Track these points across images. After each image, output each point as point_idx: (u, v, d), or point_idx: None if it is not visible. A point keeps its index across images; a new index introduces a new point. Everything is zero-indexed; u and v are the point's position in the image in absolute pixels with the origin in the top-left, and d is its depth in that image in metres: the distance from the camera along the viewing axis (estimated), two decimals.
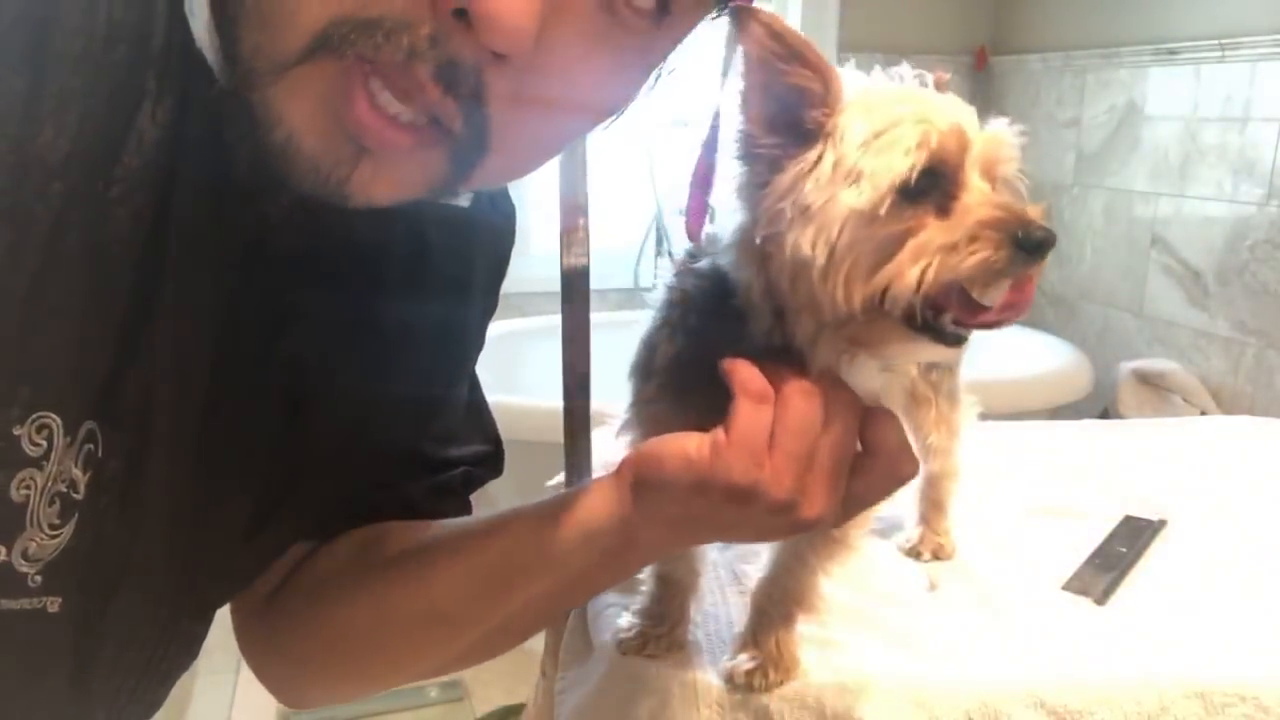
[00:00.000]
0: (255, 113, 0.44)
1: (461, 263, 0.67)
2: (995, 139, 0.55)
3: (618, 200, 2.94)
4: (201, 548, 0.55)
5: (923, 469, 0.92)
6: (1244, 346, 2.33)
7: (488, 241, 0.69)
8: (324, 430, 0.60)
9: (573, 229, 1.01)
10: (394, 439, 0.66)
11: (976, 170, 0.53)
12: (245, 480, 0.57)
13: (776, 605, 0.71)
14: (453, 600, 0.62)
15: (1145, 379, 2.46)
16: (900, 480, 0.59)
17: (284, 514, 0.61)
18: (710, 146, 0.63)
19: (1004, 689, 0.71)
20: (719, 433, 0.54)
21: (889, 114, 0.53)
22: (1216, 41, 2.34)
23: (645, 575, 0.77)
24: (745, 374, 0.55)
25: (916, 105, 0.53)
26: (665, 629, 0.74)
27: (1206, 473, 1.15)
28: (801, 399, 0.54)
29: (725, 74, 0.68)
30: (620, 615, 0.77)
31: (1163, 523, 0.99)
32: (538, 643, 1.10)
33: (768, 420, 0.54)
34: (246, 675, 2.21)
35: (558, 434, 1.01)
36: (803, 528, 0.57)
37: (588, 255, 1.07)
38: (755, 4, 0.56)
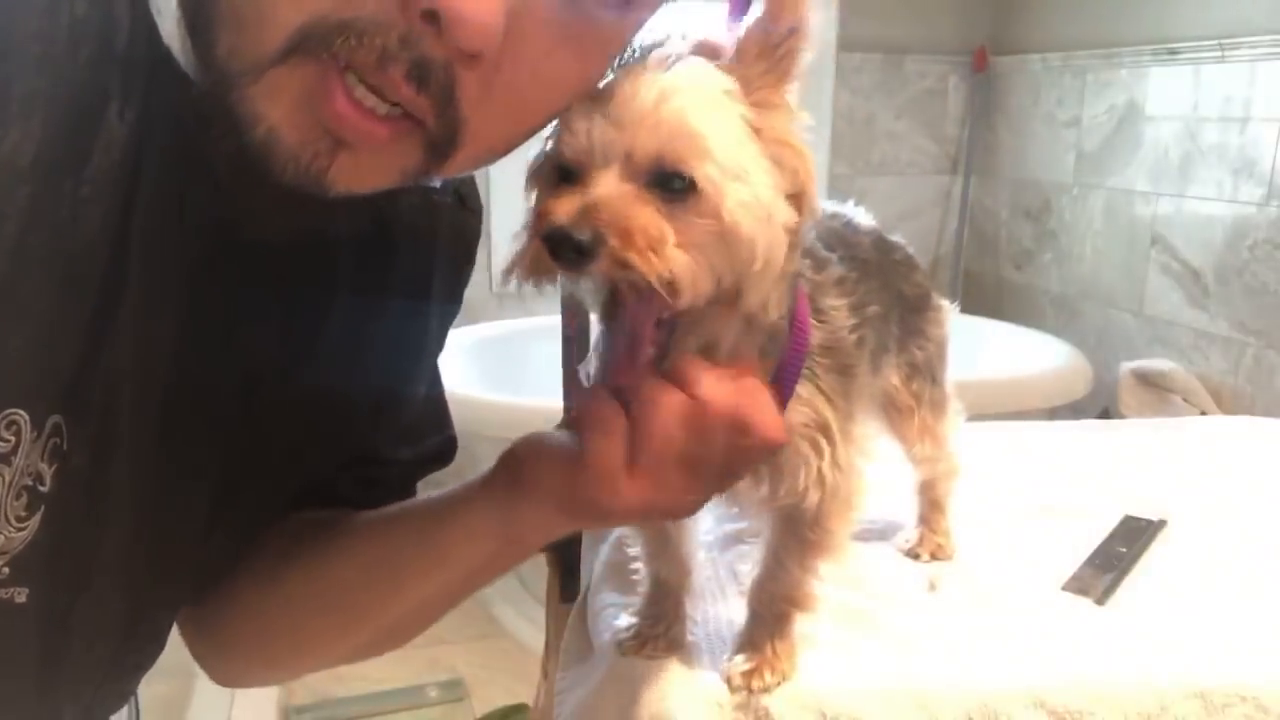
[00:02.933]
0: (234, 111, 0.44)
1: (424, 261, 0.67)
2: (661, 133, 0.51)
3: None
4: (166, 540, 0.56)
5: (916, 472, 0.92)
6: (1244, 346, 2.33)
7: (452, 240, 0.69)
8: (279, 425, 0.61)
9: None
10: (346, 435, 0.67)
11: (615, 172, 0.51)
12: (207, 472, 0.58)
13: (770, 606, 0.72)
14: (345, 590, 0.65)
15: (1145, 379, 2.46)
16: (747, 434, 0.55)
17: (242, 506, 0.62)
18: None
19: (1004, 689, 0.71)
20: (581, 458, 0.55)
21: (589, 101, 0.53)
22: (1216, 41, 2.34)
23: (641, 576, 0.77)
24: (583, 406, 0.56)
25: (614, 97, 0.52)
26: (663, 629, 0.74)
27: (1206, 473, 1.15)
28: (652, 410, 0.54)
29: None
30: (619, 615, 0.78)
31: (1162, 523, 0.99)
32: (538, 642, 1.10)
33: (615, 448, 0.54)
34: None
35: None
36: (673, 516, 0.61)
37: None
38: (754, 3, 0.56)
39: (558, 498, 0.57)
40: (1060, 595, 0.85)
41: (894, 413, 0.85)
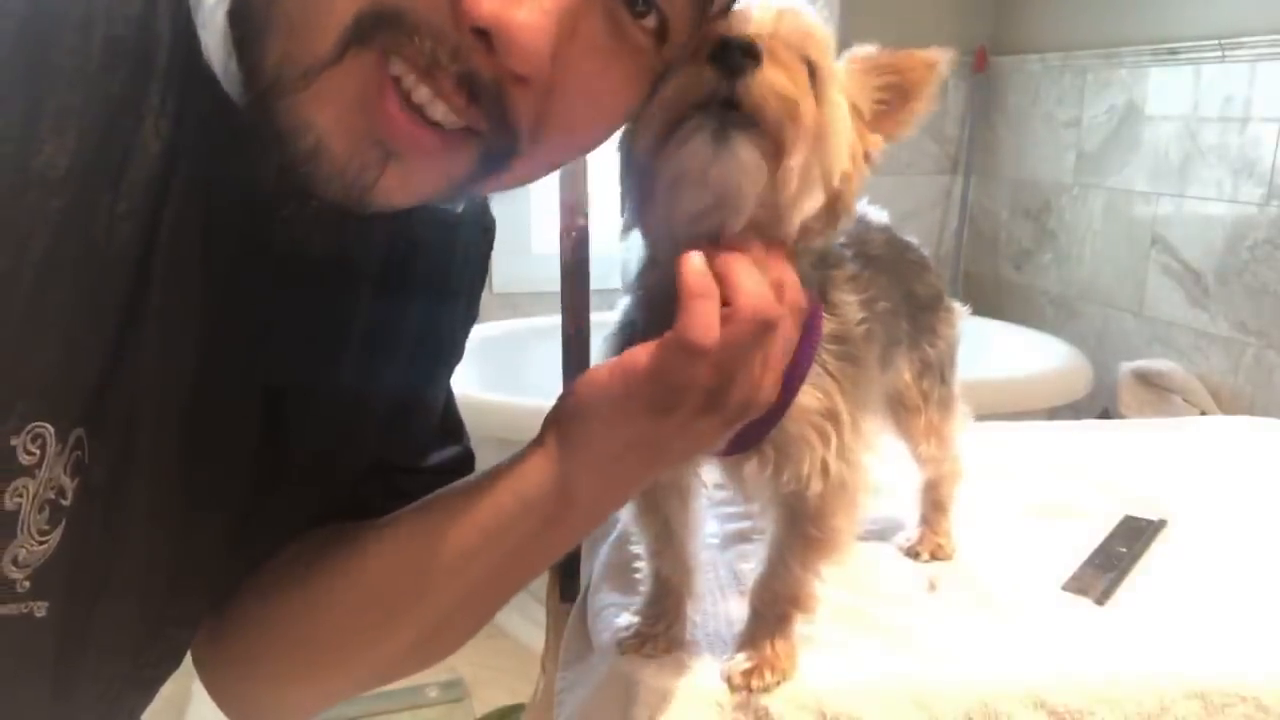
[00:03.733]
0: (280, 122, 0.44)
1: (446, 269, 0.67)
2: (798, 26, 0.57)
3: (617, 200, 2.94)
4: (185, 555, 0.55)
5: (921, 472, 0.92)
6: (1244, 346, 2.33)
7: (470, 248, 0.69)
8: (302, 438, 0.60)
9: (572, 229, 1.01)
10: (368, 446, 0.66)
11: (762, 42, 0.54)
12: (227, 487, 0.57)
13: (770, 606, 0.72)
14: (386, 582, 0.61)
15: (1145, 379, 2.46)
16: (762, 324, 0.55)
17: (263, 522, 0.61)
18: None
19: (1004, 689, 0.71)
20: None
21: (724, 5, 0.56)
22: (1216, 41, 2.34)
23: (642, 575, 0.77)
24: (689, 272, 0.54)
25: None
26: (663, 628, 0.74)
27: (1206, 473, 1.16)
28: (749, 295, 0.54)
29: None
30: (619, 615, 0.78)
31: (1162, 523, 0.99)
32: (538, 642, 1.10)
33: (711, 309, 0.53)
34: None
35: None
36: (733, 416, 0.57)
37: (588, 255, 1.07)
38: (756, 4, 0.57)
39: (619, 410, 0.55)
40: (1060, 595, 0.85)
41: (902, 410, 0.86)
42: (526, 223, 2.82)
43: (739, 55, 0.52)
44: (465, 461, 0.75)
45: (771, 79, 0.53)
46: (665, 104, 0.54)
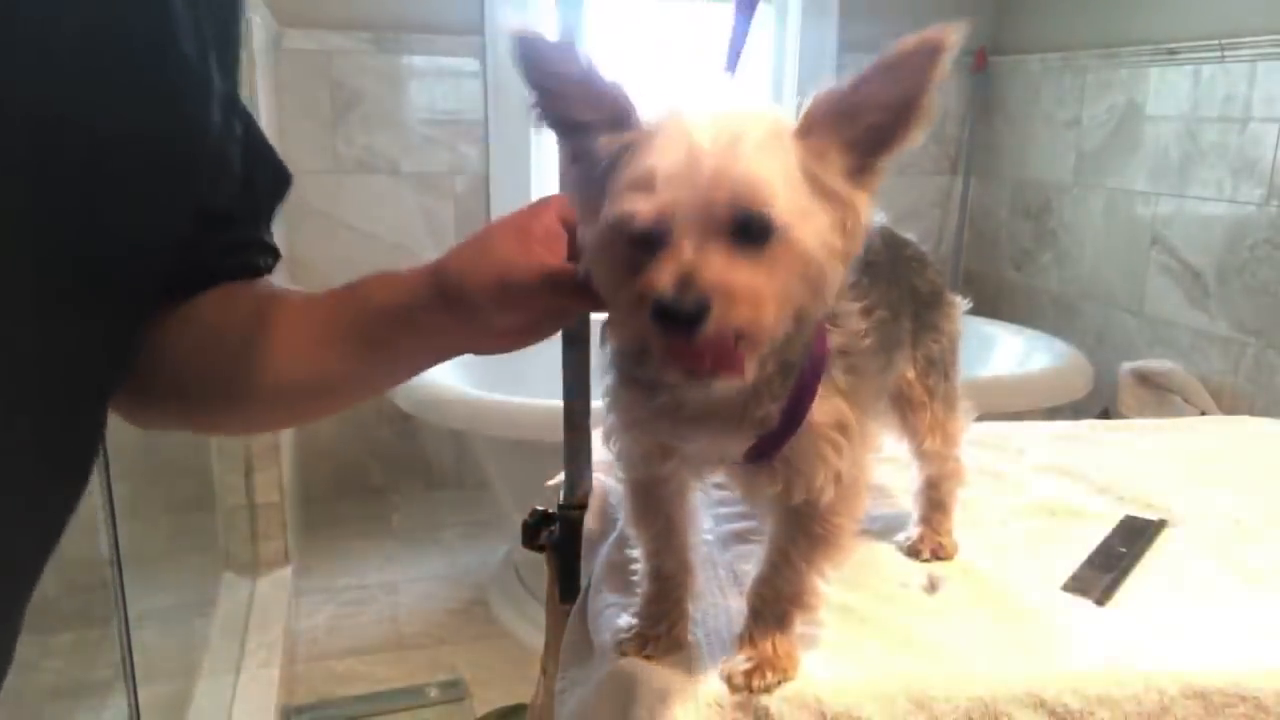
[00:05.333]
0: None
1: None
2: (735, 182, 0.53)
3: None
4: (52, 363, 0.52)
5: (920, 471, 0.92)
6: (1244, 346, 2.33)
7: None
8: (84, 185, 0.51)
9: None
10: (161, 175, 0.55)
11: (696, 230, 0.53)
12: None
13: (771, 606, 0.72)
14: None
15: (1145, 379, 2.46)
16: None
17: (109, 307, 0.55)
18: None
19: (1004, 689, 0.71)
20: None
21: (646, 164, 0.54)
22: (1216, 42, 2.34)
23: (640, 575, 0.77)
24: None
25: (673, 155, 0.53)
26: (664, 629, 0.74)
27: (1206, 473, 1.15)
28: None
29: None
30: (619, 615, 0.78)
31: (1162, 523, 0.99)
32: (538, 643, 1.10)
33: None
34: (248, 675, 2.21)
35: (558, 434, 1.01)
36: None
37: None
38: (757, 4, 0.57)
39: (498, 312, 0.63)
40: (1060, 595, 0.85)
41: (906, 407, 0.86)
42: None
43: (684, 322, 0.52)
44: (282, 178, 0.71)
45: (725, 315, 0.52)
46: (626, 338, 0.58)
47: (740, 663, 0.71)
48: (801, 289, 0.56)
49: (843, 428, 0.66)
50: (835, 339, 0.66)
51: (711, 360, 0.54)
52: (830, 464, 0.66)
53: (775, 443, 0.65)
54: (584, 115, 0.57)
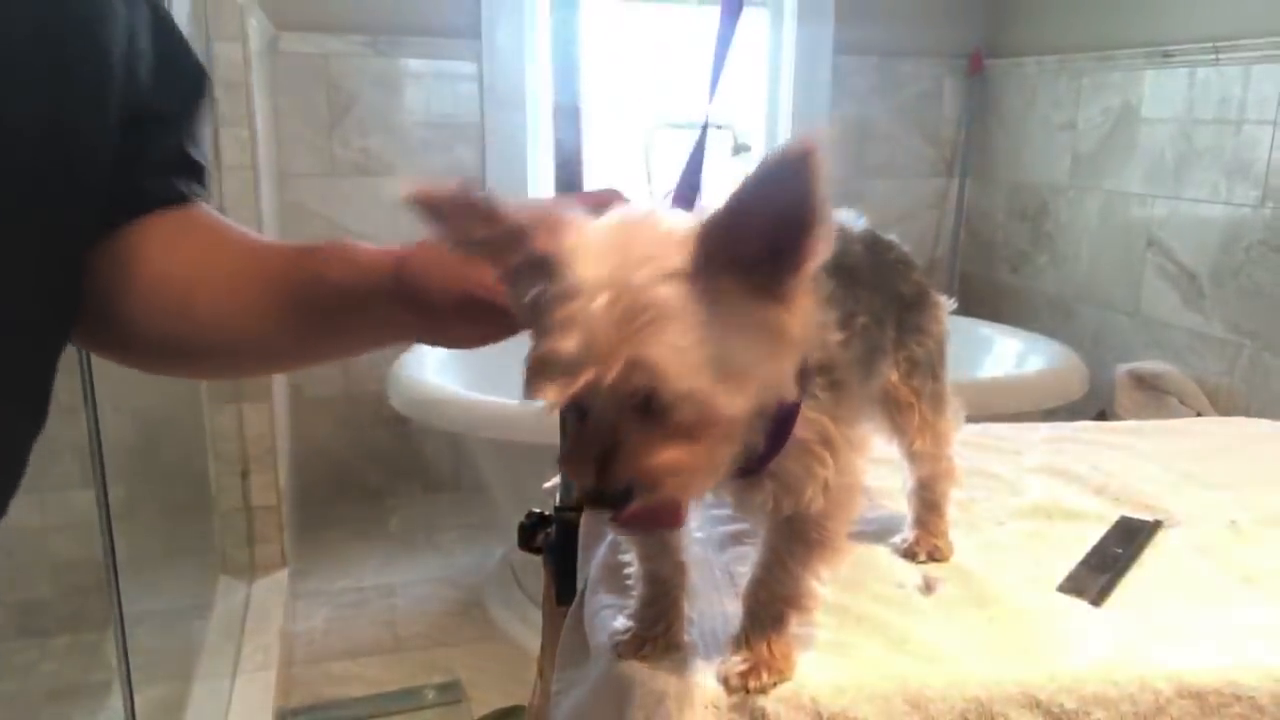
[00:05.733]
0: None
1: None
2: (631, 366, 0.50)
3: None
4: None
5: (913, 472, 0.92)
6: (1239, 348, 2.34)
7: None
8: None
9: None
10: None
11: (610, 409, 0.53)
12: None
13: (766, 607, 0.72)
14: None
15: (1141, 380, 2.47)
16: None
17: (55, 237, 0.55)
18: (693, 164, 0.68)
19: (999, 690, 0.71)
20: None
21: (547, 346, 0.52)
22: (1211, 44, 2.35)
23: (635, 578, 0.77)
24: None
25: (572, 339, 0.51)
26: (660, 631, 0.74)
27: (1202, 474, 1.16)
28: None
29: (713, 88, 0.71)
30: (616, 617, 0.78)
31: (1158, 524, 0.99)
32: (535, 645, 1.10)
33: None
34: (244, 677, 2.20)
35: (554, 436, 1.01)
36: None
37: None
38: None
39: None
40: (1056, 596, 0.85)
41: (894, 409, 0.86)
42: None
43: (612, 508, 0.54)
44: (200, 79, 0.68)
45: (651, 492, 0.54)
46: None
47: (736, 664, 0.71)
48: (732, 434, 0.56)
49: (826, 440, 0.66)
50: (814, 355, 0.65)
51: (647, 521, 0.56)
52: (817, 476, 0.66)
53: (762, 461, 0.65)
54: (498, 243, 0.56)
